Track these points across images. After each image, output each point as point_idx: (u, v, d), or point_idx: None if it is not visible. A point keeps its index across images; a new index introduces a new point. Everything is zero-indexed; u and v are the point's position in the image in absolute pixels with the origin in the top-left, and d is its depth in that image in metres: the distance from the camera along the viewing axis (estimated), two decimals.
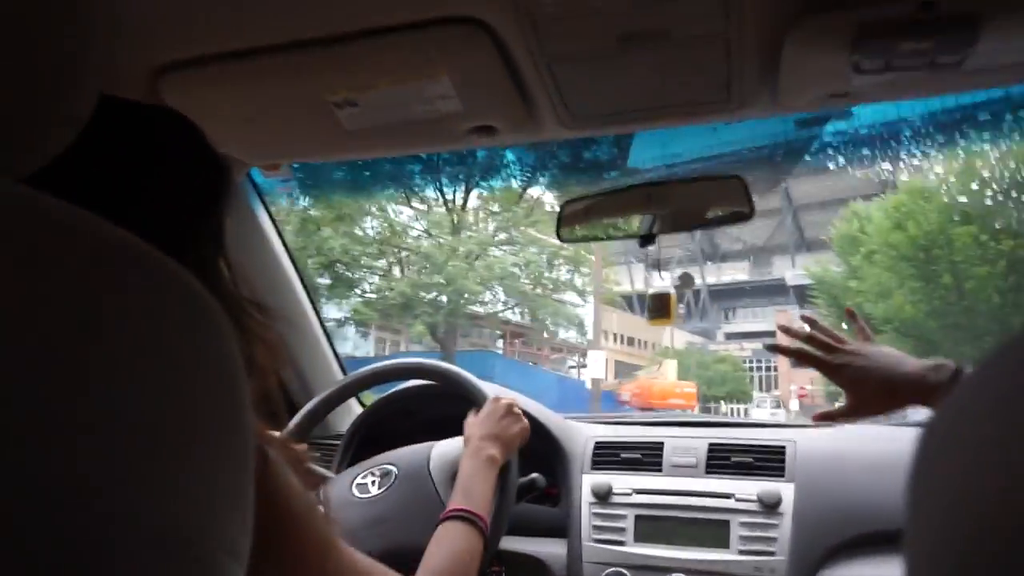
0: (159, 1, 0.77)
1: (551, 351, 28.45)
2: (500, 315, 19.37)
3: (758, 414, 24.46)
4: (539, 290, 17.32)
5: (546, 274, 17.54)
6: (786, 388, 32.71)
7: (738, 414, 32.37)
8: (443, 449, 1.06)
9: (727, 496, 1.16)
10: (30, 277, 0.23)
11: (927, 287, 16.18)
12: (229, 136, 0.99)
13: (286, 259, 1.32)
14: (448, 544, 0.82)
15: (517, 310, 18.77)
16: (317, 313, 1.41)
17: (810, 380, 30.59)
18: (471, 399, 1.10)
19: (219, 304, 0.51)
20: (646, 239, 1.01)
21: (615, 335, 34.47)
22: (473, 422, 1.02)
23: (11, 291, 0.23)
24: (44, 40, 0.31)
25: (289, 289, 1.35)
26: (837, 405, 0.91)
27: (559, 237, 1.11)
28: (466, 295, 15.59)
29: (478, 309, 17.57)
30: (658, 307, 1.16)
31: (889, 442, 1.22)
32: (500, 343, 25.44)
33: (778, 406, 25.78)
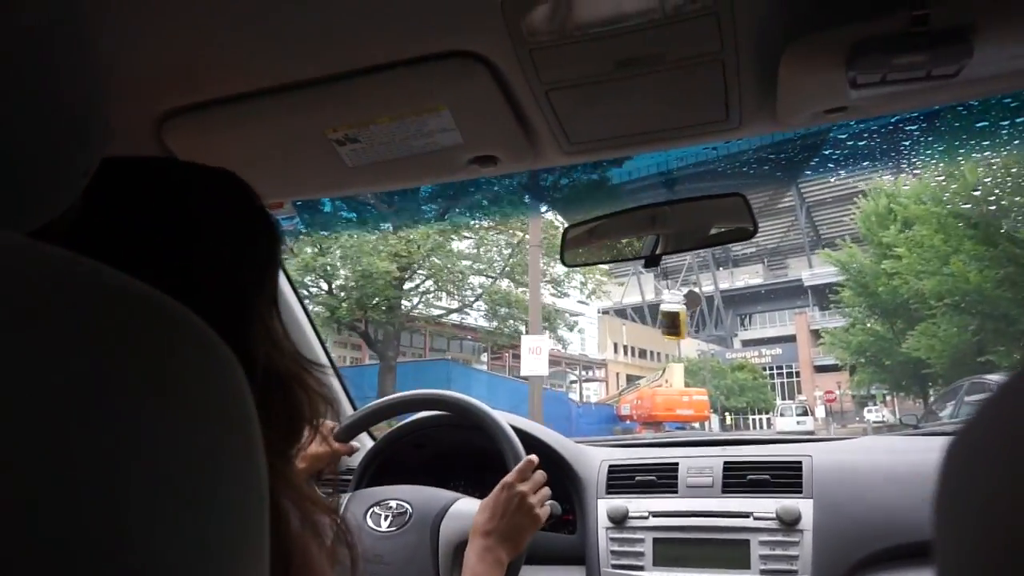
0: (160, 51, 0.80)
1: (549, 364, 27.21)
2: (456, 318, 16.52)
3: (783, 423, 23.65)
4: (507, 284, 14.57)
5: (501, 260, 14.38)
6: (811, 394, 32.45)
7: (761, 425, 32.01)
8: (460, 509, 1.09)
9: (745, 515, 1.18)
10: (37, 330, 0.24)
11: (993, 251, 13.02)
12: None
13: (294, 298, 1.36)
14: None
15: (478, 311, 15.95)
16: (325, 350, 1.44)
17: (837, 384, 30.28)
18: (489, 433, 1.12)
19: (281, 361, 0.54)
20: (651, 260, 1.04)
21: (625, 347, 34.26)
22: (484, 507, 0.98)
23: (16, 344, 0.23)
24: (50, 91, 0.32)
25: (299, 329, 1.39)
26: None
27: (563, 262, 1.14)
28: (381, 283, 12.40)
29: (428, 310, 14.79)
30: (669, 324, 1.18)
31: (906, 453, 1.23)
32: (484, 356, 23.22)
33: (804, 413, 25.18)
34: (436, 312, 15.75)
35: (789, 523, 1.15)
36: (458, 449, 1.27)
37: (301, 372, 0.55)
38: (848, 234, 24.12)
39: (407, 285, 13.95)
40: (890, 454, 1.25)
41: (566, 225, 1.13)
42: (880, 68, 0.80)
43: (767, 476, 1.24)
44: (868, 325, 20.76)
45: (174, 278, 0.47)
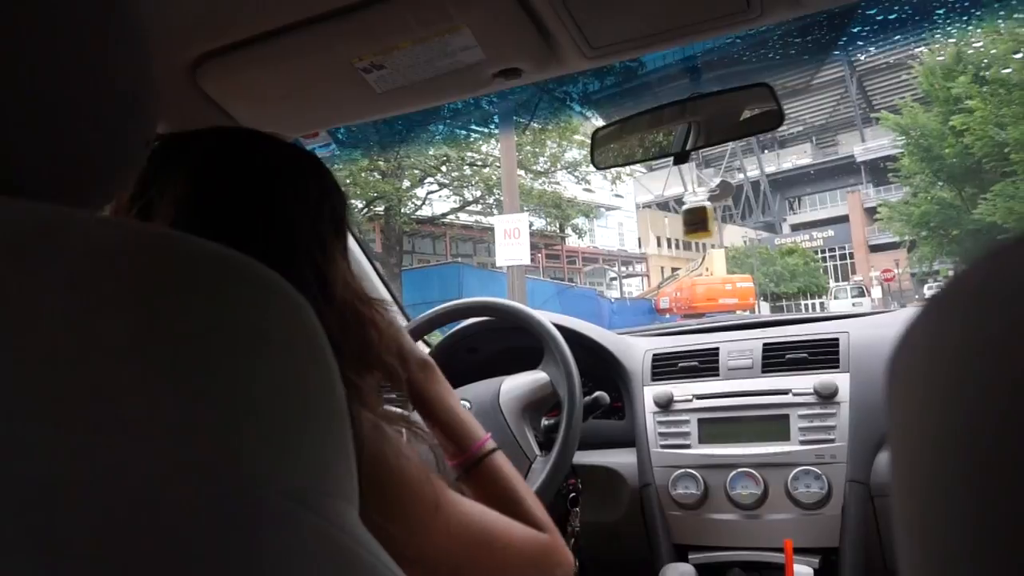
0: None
1: (584, 262, 26.17)
2: (469, 219, 16.06)
3: (838, 306, 23.14)
4: (524, 173, 13.46)
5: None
6: (866, 274, 31.84)
7: (814, 309, 31.73)
8: (510, 384, 1.18)
9: (784, 392, 1.26)
10: (146, 301, 0.28)
11: None
12: (266, 114, 1.09)
13: (353, 241, 1.44)
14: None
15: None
16: (374, 266, 1.54)
17: (894, 262, 29.44)
18: (531, 331, 1.21)
19: (348, 301, 0.64)
20: (680, 156, 1.08)
21: (667, 240, 33.82)
22: None
23: (128, 313, 0.27)
24: (101, 69, 0.34)
25: (357, 265, 1.48)
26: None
27: (594, 164, 1.18)
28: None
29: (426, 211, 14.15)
30: (694, 221, 1.23)
31: None
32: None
33: (861, 294, 24.51)
34: (440, 212, 15.27)
35: (826, 396, 1.23)
36: (505, 352, 1.37)
37: (363, 308, 0.66)
38: (909, 98, 22.48)
39: (410, 188, 13.61)
40: None
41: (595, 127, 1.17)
42: None
43: (805, 354, 1.31)
44: (932, 193, 19.35)
45: (261, 242, 0.60)
